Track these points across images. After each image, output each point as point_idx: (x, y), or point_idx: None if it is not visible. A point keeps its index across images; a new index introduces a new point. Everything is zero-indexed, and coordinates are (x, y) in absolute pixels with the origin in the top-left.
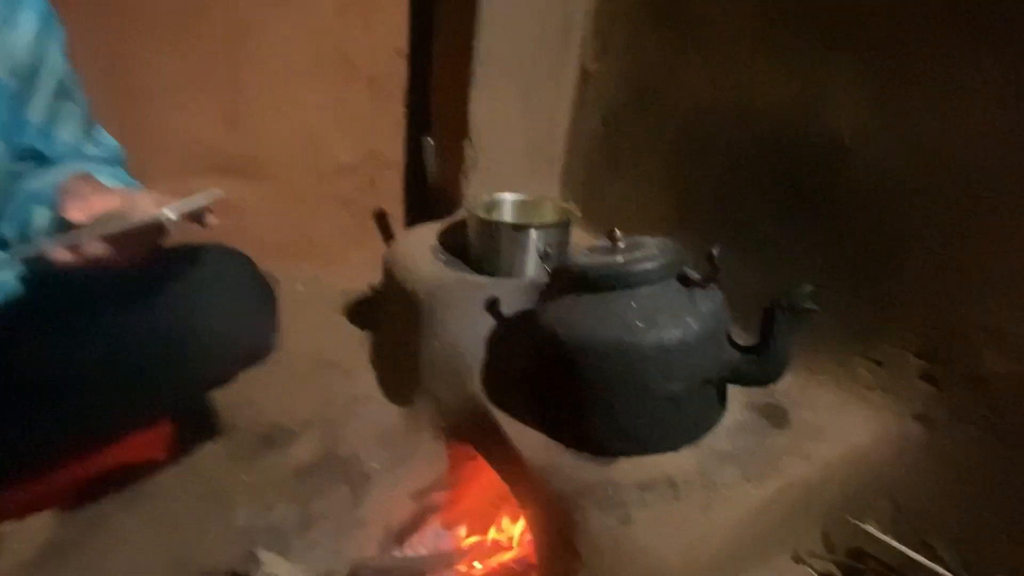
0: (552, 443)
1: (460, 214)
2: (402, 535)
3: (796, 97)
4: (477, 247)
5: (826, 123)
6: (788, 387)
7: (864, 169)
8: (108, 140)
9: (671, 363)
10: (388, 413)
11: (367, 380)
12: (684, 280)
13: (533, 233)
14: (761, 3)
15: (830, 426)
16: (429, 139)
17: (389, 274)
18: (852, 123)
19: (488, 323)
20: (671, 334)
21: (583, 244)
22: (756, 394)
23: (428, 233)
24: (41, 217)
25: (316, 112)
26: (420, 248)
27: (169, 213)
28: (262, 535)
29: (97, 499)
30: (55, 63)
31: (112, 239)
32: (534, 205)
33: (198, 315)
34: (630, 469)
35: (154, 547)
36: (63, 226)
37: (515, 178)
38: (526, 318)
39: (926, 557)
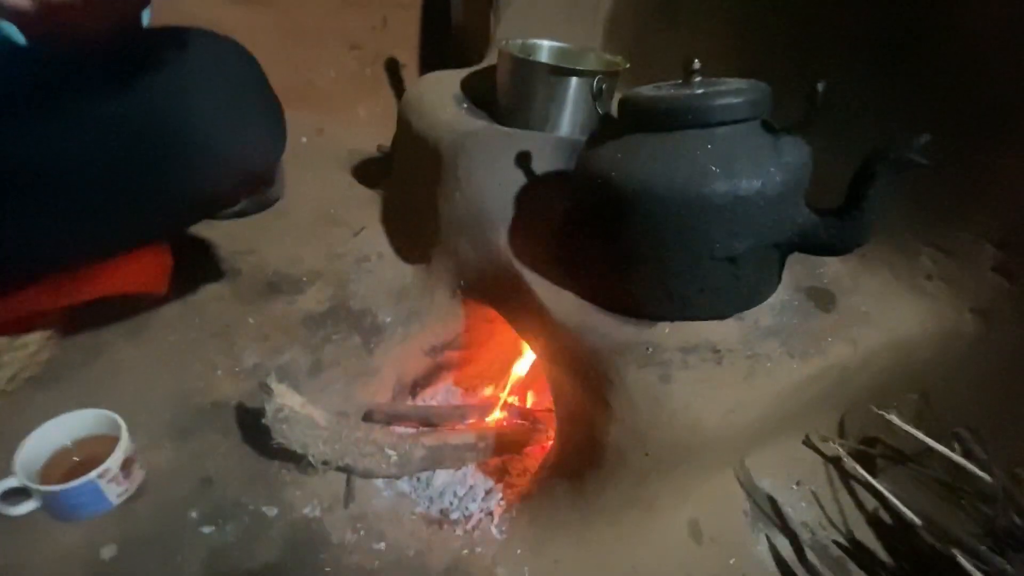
0: (586, 304)
1: (488, 60)
2: (414, 388)
3: None
4: (508, 95)
5: None
6: (838, 272)
7: (984, 15)
8: None
9: (743, 218)
10: (402, 271)
11: (378, 240)
12: (770, 124)
13: (575, 81)
14: None
15: (878, 313)
16: None
17: (405, 122)
18: None
19: (518, 179)
20: (749, 184)
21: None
22: (804, 275)
23: (450, 79)
24: None
25: None
26: (441, 94)
27: None
28: (272, 376)
29: (96, 326)
30: None
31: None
32: (575, 55)
33: (191, 108)
34: (672, 332)
35: (157, 377)
36: None
37: (551, 25)
38: (565, 172)
39: (945, 447)
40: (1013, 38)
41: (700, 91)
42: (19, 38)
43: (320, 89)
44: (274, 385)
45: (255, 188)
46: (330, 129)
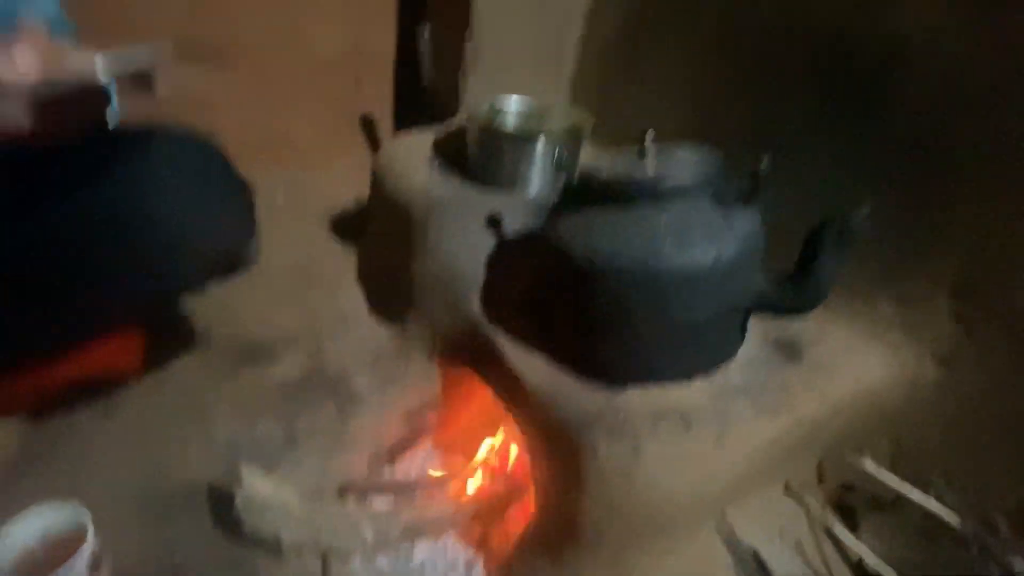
0: (556, 369)
1: (458, 120)
2: (391, 455)
3: None
4: (477, 156)
5: (893, 22)
6: (803, 323)
7: (930, 75)
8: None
9: (700, 289)
10: (377, 333)
11: (353, 297)
12: (721, 197)
13: (541, 143)
14: None
15: (844, 363)
16: (425, 28)
17: (378, 184)
18: (925, 21)
19: (489, 241)
20: (704, 256)
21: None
22: (770, 327)
23: (422, 140)
24: None
25: None
26: (413, 156)
27: (103, 69)
28: (245, 450)
29: (66, 409)
30: None
31: (43, 99)
32: (541, 111)
33: (157, 203)
34: (640, 398)
35: (128, 459)
36: None
37: (520, 80)
38: (532, 236)
39: (921, 492)
40: (960, 95)
41: (652, 170)
42: None
43: (295, 145)
44: (244, 472)
45: (232, 267)
46: (306, 183)
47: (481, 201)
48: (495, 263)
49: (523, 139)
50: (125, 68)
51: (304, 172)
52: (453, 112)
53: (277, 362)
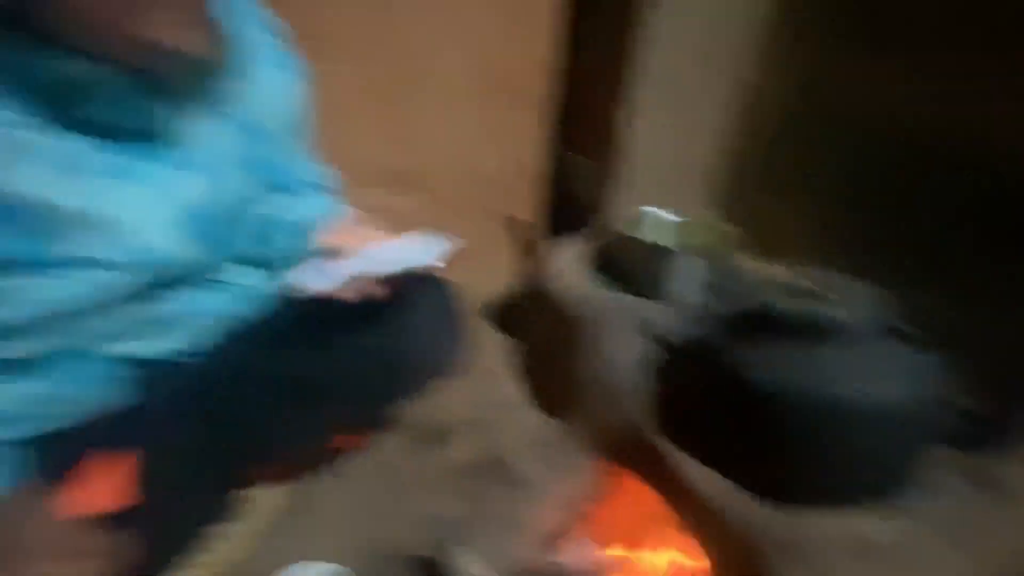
0: (732, 485)
1: (608, 229)
2: (551, 542)
3: None
4: (629, 267)
5: None
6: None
7: None
8: (321, 168)
9: (886, 425)
10: (540, 422)
11: (514, 386)
12: (901, 334)
13: (690, 256)
14: None
15: None
16: (574, 155)
17: (537, 285)
18: None
19: (647, 347)
20: (891, 393)
21: (746, 268)
22: (966, 461)
23: (576, 247)
24: (283, 242)
25: (470, 126)
26: (569, 262)
27: (438, 263)
28: (441, 526)
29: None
30: (292, 106)
31: (384, 279)
32: (689, 225)
33: (412, 338)
34: (826, 527)
35: (351, 529)
36: (309, 254)
37: (663, 194)
38: (697, 349)
39: None
40: None
41: (834, 309)
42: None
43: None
44: (453, 551)
45: (448, 376)
46: (465, 279)
47: (636, 309)
48: (656, 371)
49: (673, 252)
50: (442, 260)
51: (463, 270)
52: (603, 222)
53: (456, 444)
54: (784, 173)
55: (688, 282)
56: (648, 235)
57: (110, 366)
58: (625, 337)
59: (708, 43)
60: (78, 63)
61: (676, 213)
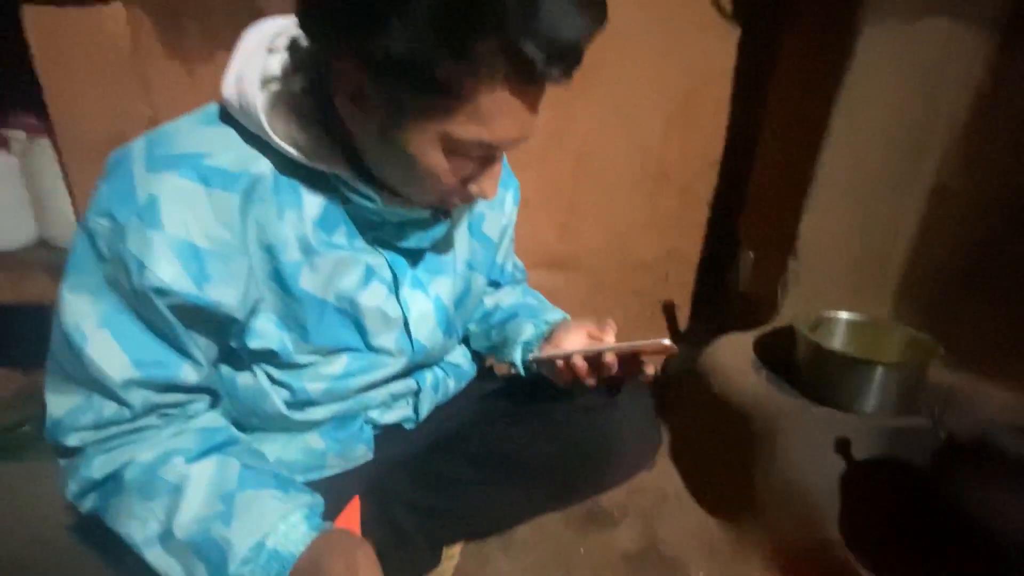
0: None
1: (777, 324)
2: None
3: None
4: (808, 371)
5: None
6: None
7: None
8: (520, 263)
9: None
10: (706, 522)
11: (670, 474)
12: None
13: (882, 368)
14: None
15: None
16: (749, 252)
17: (703, 379)
18: None
19: (838, 464)
20: None
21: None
22: None
23: (743, 342)
24: (519, 345)
25: (629, 216)
26: (737, 358)
27: (665, 341)
28: None
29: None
30: (511, 217)
31: (620, 356)
32: (873, 330)
33: (617, 431)
34: None
35: None
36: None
37: (840, 293)
38: (901, 471)
39: None
40: None
41: None
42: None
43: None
44: None
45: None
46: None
47: (821, 418)
48: (852, 490)
49: (862, 363)
50: (673, 348)
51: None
52: (768, 318)
53: (616, 529)
54: (987, 278)
55: (882, 394)
56: (831, 338)
57: (364, 429)
58: (811, 448)
59: (895, 140)
60: (396, 209)
61: (861, 316)
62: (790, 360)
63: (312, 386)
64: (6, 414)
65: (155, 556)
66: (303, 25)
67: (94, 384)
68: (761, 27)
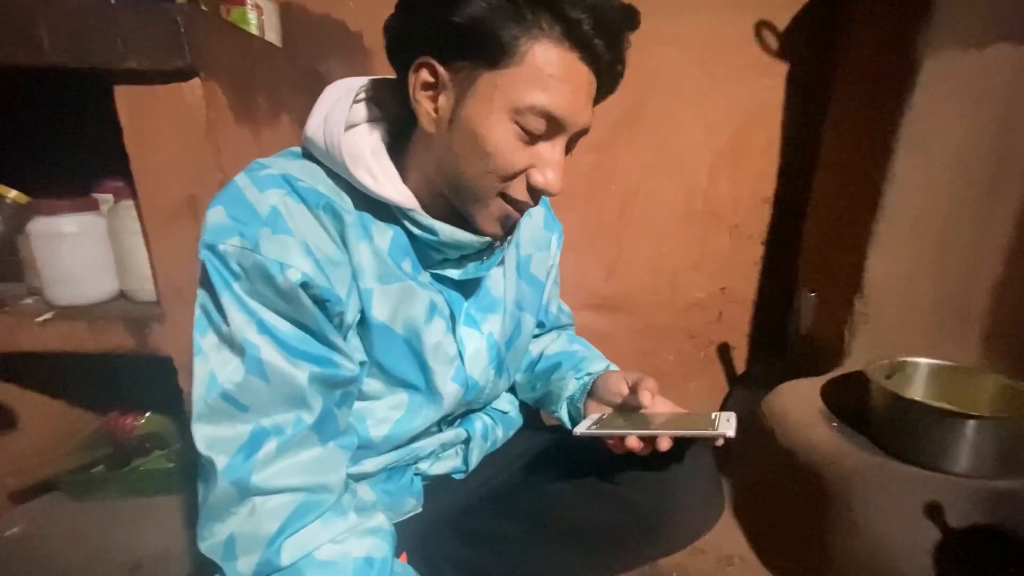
0: None
1: (846, 369)
2: None
3: None
4: (885, 423)
5: None
6: None
7: None
8: (565, 307)
9: None
10: None
11: (734, 534)
12: None
13: (975, 422)
14: None
15: None
16: (810, 293)
17: (767, 430)
18: None
19: (927, 529)
20: None
21: None
22: None
23: (808, 389)
24: (564, 401)
25: (679, 256)
26: (803, 406)
27: (728, 433)
28: None
29: None
30: (555, 260)
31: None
32: (959, 377)
33: (675, 498)
34: None
35: None
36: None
37: (915, 337)
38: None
39: None
40: None
41: None
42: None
43: (660, 370)
44: None
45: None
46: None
47: (906, 478)
48: (946, 559)
49: (952, 415)
50: (732, 432)
51: (664, 392)
52: (835, 363)
53: None
54: None
55: (977, 452)
56: (909, 386)
57: (414, 481)
58: (899, 511)
59: (967, 173)
60: (456, 239)
61: (944, 362)
62: (862, 410)
63: (375, 431)
64: (82, 454)
65: None
66: (387, 30)
67: (277, 391)
68: (810, 63)
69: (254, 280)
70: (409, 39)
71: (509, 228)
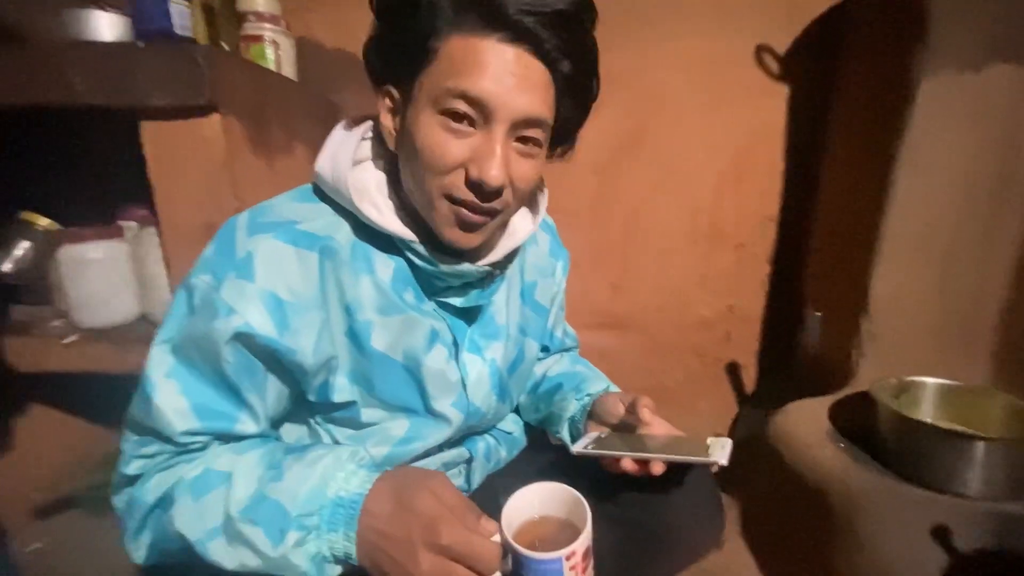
0: None
1: (853, 389)
2: None
3: None
4: (892, 444)
5: None
6: None
7: None
8: (570, 330)
9: None
10: None
11: (741, 553)
12: None
13: (983, 447)
14: None
15: None
16: (816, 313)
17: (773, 450)
18: None
19: (936, 552)
20: None
21: None
22: None
23: (815, 408)
24: (566, 422)
25: (684, 275)
26: (809, 426)
27: (721, 461)
28: None
29: None
30: (561, 285)
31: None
32: (967, 397)
33: (677, 522)
34: None
35: None
36: (583, 427)
37: (922, 356)
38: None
39: None
40: None
41: None
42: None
43: (668, 388)
44: None
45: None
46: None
47: (913, 500)
48: None
49: (960, 437)
50: (725, 461)
51: (671, 412)
52: (842, 383)
53: None
54: None
55: (986, 474)
56: (917, 407)
57: None
58: (906, 534)
59: (970, 192)
60: (455, 268)
61: (951, 382)
62: (869, 430)
63: (375, 451)
64: (103, 472)
65: (220, 550)
66: (367, 67)
67: (157, 433)
68: (811, 84)
69: (201, 316)
70: (372, 72)
71: (470, 229)
